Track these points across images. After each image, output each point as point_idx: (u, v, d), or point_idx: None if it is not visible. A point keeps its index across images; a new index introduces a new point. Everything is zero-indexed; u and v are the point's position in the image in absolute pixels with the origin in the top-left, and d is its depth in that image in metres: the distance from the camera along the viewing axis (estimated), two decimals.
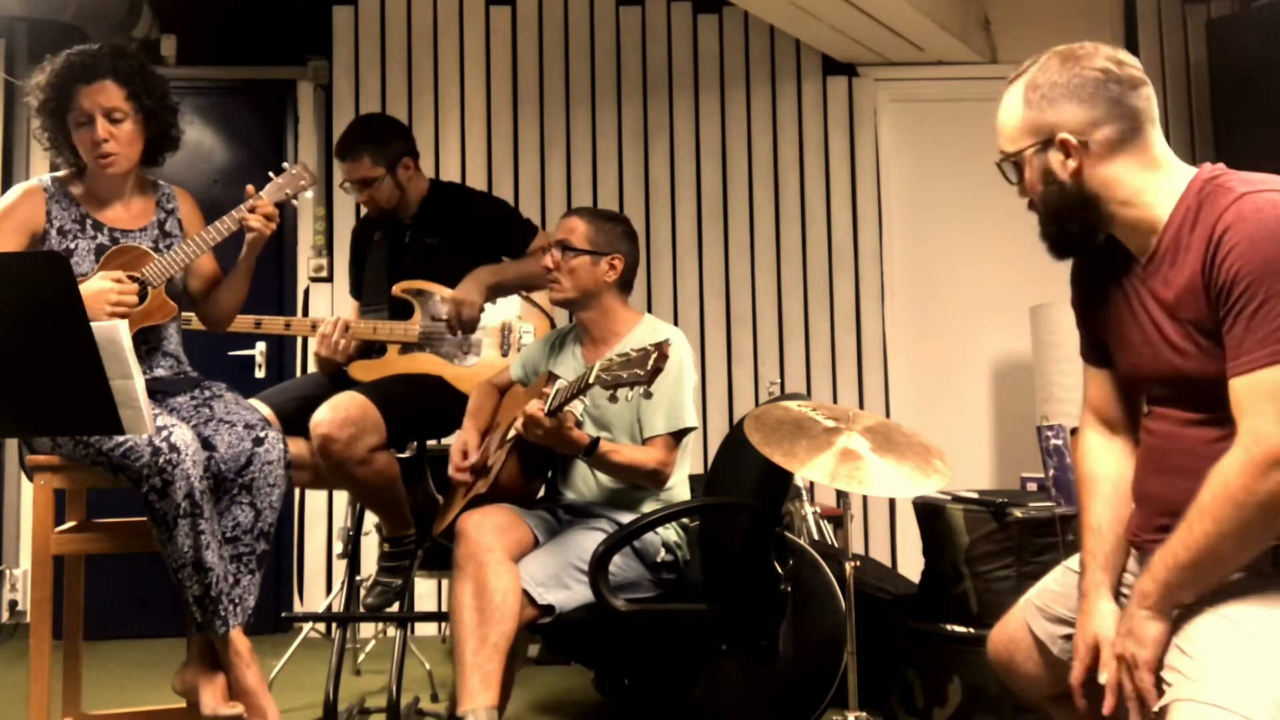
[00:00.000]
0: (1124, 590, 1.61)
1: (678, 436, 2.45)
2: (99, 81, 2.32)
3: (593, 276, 2.53)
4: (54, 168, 2.47)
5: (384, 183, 2.91)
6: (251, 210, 2.41)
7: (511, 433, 2.42)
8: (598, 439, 2.34)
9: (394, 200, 2.95)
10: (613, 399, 2.11)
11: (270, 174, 2.54)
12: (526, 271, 2.91)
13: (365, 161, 2.89)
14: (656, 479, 2.42)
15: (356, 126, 3.02)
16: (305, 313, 4.43)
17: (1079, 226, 1.55)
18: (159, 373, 2.42)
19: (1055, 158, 1.52)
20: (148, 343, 2.41)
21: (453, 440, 2.60)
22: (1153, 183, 1.51)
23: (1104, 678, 1.50)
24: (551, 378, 2.39)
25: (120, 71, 2.34)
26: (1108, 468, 1.66)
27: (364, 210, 3.12)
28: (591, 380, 2.13)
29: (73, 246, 2.36)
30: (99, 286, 2.25)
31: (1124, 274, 1.59)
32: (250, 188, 2.46)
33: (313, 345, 2.85)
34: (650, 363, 2.03)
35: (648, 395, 2.11)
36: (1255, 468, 1.34)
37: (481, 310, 2.85)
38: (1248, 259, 1.36)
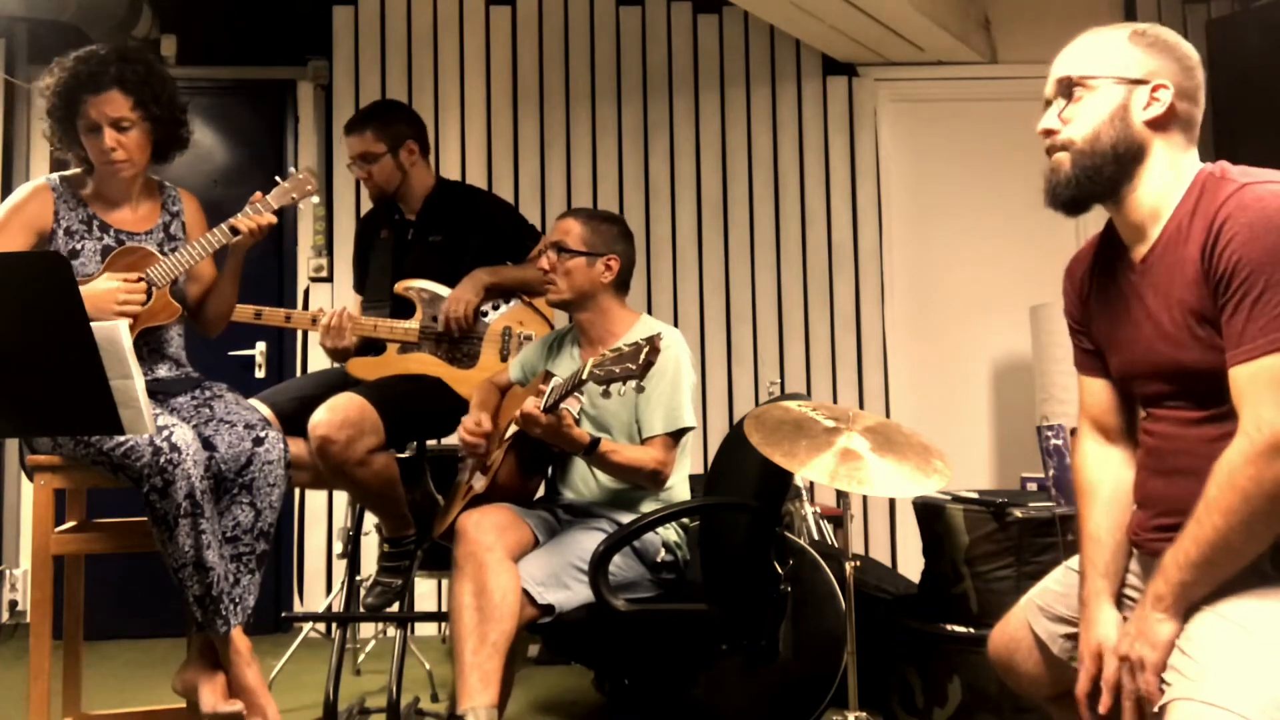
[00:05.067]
0: (1126, 592, 1.61)
1: (676, 436, 2.45)
2: (105, 92, 2.31)
3: (589, 277, 2.52)
4: (57, 165, 2.48)
5: (384, 161, 2.92)
6: (258, 226, 2.41)
7: (509, 432, 2.42)
8: (598, 438, 2.34)
9: (394, 183, 2.96)
10: (605, 394, 2.12)
11: (276, 178, 2.54)
12: (526, 276, 2.91)
13: (368, 135, 2.92)
14: (656, 479, 2.42)
15: (367, 106, 3.11)
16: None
17: (1111, 173, 1.53)
18: (160, 374, 2.43)
19: (1140, 99, 1.52)
20: (150, 344, 2.41)
21: (453, 440, 2.60)
22: (1180, 166, 1.53)
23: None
24: (548, 377, 2.39)
25: (127, 81, 2.33)
26: (1106, 475, 1.66)
27: (365, 198, 3.12)
28: (585, 376, 2.13)
29: (79, 247, 2.36)
30: (106, 286, 2.26)
31: (1119, 273, 1.60)
32: (258, 194, 2.46)
33: (315, 339, 2.85)
34: (642, 357, 2.04)
35: (640, 390, 2.12)
36: (1260, 456, 1.33)
37: (478, 310, 2.85)
38: (1248, 247, 1.37)
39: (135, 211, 2.46)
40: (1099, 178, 1.53)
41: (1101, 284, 1.64)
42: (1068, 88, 1.56)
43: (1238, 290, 1.38)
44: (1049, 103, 1.59)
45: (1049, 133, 1.58)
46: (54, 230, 2.36)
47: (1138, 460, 1.64)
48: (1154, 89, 1.51)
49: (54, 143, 2.41)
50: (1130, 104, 1.52)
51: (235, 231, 2.40)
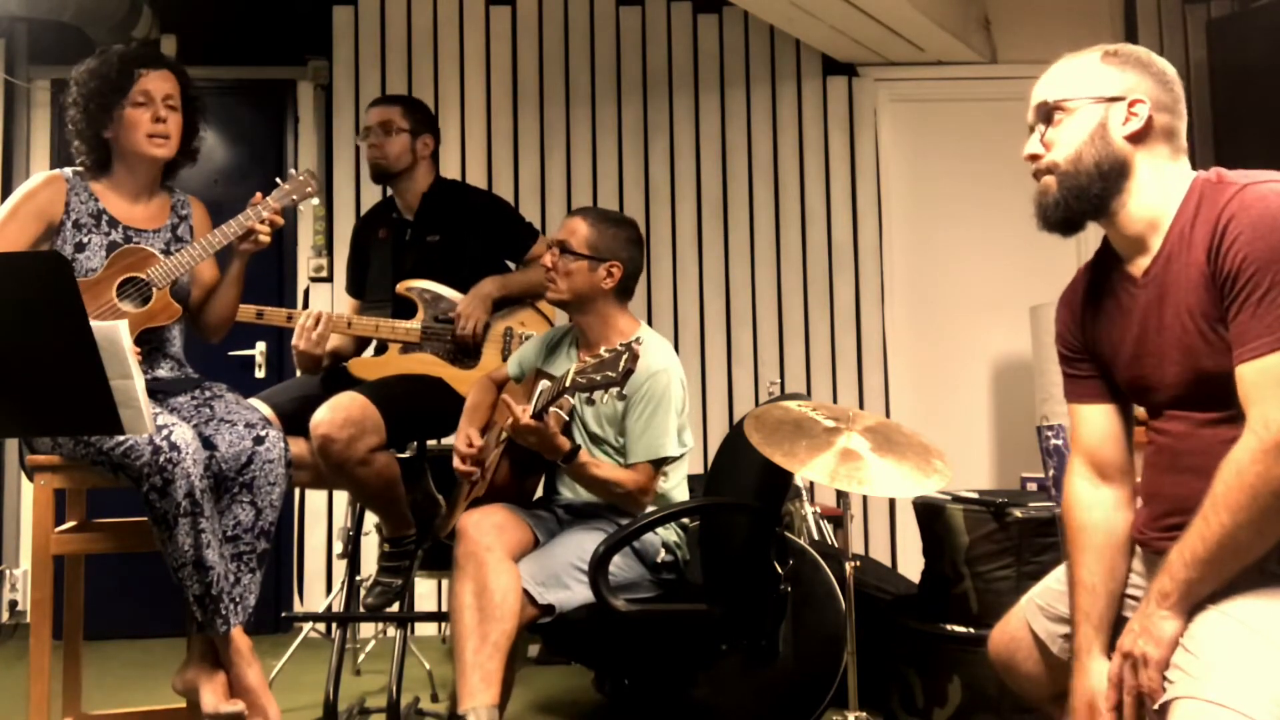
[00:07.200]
0: (1129, 592, 1.61)
1: (657, 464, 2.43)
2: (162, 69, 2.44)
3: (589, 282, 2.48)
4: (57, 165, 2.48)
5: (402, 138, 2.96)
6: (263, 221, 2.42)
7: (505, 433, 2.42)
8: (577, 447, 2.33)
9: (401, 163, 2.97)
10: (589, 402, 2.12)
11: (277, 179, 2.55)
12: (530, 281, 2.91)
13: (396, 110, 2.98)
14: (633, 501, 2.40)
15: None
16: None
17: (1098, 190, 1.54)
18: (160, 373, 2.43)
19: (1117, 115, 1.54)
20: (150, 344, 2.41)
21: (452, 440, 2.60)
22: (1170, 177, 1.54)
23: None
24: (539, 376, 2.38)
25: (176, 67, 2.48)
26: (1098, 519, 1.64)
27: (365, 198, 3.13)
28: (568, 384, 2.13)
29: (86, 240, 2.37)
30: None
31: (1122, 290, 1.60)
32: (258, 195, 2.47)
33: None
34: (621, 364, 2.04)
35: (621, 397, 2.11)
36: (1268, 454, 1.33)
37: (486, 326, 2.86)
38: (1253, 246, 1.38)
39: (146, 210, 2.47)
40: (1086, 196, 1.55)
41: (1104, 304, 1.64)
42: (1047, 113, 1.59)
43: (1243, 289, 1.38)
44: (1032, 128, 1.61)
45: (1034, 157, 1.60)
46: (63, 221, 2.37)
47: (1147, 459, 1.63)
48: (1131, 104, 1.53)
49: (78, 125, 2.40)
50: (1108, 121, 1.54)
51: (249, 233, 2.40)
